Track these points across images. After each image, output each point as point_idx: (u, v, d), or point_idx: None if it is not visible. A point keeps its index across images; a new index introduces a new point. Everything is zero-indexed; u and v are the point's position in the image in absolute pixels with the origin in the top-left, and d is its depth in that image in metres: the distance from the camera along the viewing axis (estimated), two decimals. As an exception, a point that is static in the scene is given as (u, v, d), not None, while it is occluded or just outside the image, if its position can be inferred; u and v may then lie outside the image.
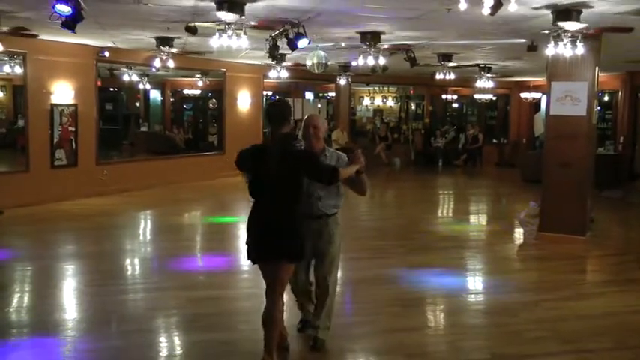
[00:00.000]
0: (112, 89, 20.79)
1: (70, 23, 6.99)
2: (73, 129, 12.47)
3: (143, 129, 21.94)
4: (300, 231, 4.68)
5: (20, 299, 6.80)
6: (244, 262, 8.01)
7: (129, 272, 8.17)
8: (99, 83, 13.65)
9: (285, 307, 5.06)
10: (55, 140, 12.15)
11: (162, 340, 5.57)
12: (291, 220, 4.64)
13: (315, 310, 5.30)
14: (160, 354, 5.26)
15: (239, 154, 4.84)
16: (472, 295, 7.24)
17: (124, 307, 6.42)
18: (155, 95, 23.10)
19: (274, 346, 4.68)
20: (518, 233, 10.18)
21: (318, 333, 5.24)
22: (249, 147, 4.86)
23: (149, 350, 5.25)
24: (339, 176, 4.77)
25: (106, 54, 12.74)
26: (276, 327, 4.70)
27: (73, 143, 12.49)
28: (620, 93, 17.95)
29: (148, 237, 10.59)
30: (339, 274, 5.44)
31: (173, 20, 8.87)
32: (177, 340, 5.60)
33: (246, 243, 4.75)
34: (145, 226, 11.53)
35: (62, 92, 12.24)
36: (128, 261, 8.65)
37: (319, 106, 22.59)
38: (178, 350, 5.40)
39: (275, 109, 4.86)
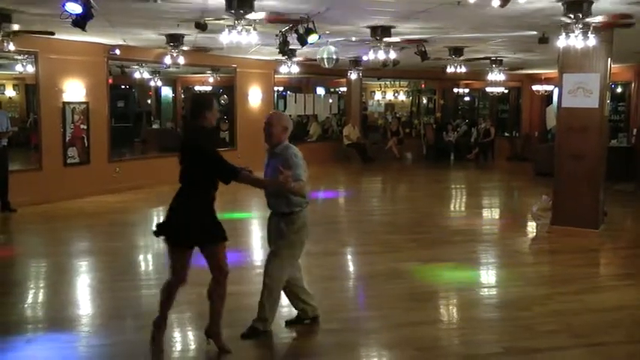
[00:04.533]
0: (123, 87, 20.90)
1: (81, 22, 7.03)
2: (85, 127, 12.53)
3: (155, 126, 22.04)
4: (190, 219, 4.86)
5: (35, 295, 6.87)
6: (258, 258, 8.07)
7: (142, 268, 8.23)
8: (110, 81, 13.71)
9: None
10: (68, 138, 12.21)
11: (177, 336, 5.59)
12: (185, 207, 4.88)
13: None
14: (174, 349, 5.28)
15: None
16: (484, 289, 7.23)
17: (137, 303, 6.47)
18: (166, 92, 23.21)
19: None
20: (531, 227, 10.14)
21: (252, 321, 5.37)
22: None
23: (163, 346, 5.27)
24: (236, 179, 4.88)
25: (117, 52, 12.79)
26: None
27: (85, 141, 12.55)
28: (633, 84, 17.80)
29: (161, 233, 10.62)
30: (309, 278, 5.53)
31: (183, 17, 8.89)
32: (191, 336, 5.63)
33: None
34: (157, 223, 11.56)
35: (74, 90, 12.30)
36: (141, 257, 8.70)
37: (330, 101, 22.58)
38: (192, 345, 5.43)
39: (192, 102, 5.10)
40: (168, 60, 12.26)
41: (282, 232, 5.28)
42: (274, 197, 5.27)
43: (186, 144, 5.01)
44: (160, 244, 9.59)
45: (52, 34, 10.15)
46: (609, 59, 9.26)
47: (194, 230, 4.87)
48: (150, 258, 8.65)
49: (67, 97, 12.19)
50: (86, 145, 12.57)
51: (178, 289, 5.11)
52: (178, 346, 5.38)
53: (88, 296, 6.87)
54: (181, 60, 12.10)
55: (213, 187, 4.95)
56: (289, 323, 5.63)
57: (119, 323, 5.82)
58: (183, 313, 6.10)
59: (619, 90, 19.11)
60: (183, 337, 5.61)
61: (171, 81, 22.23)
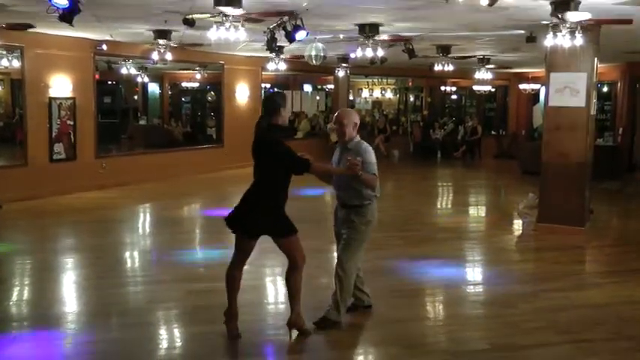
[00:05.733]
0: (110, 82, 20.75)
1: (68, 16, 6.97)
2: (72, 122, 12.45)
3: (142, 122, 21.91)
4: (264, 211, 5.06)
5: (20, 292, 6.82)
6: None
7: (128, 265, 8.19)
8: (97, 77, 13.63)
9: None
10: (54, 134, 12.13)
11: (162, 333, 5.59)
12: (257, 200, 5.08)
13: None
14: (160, 346, 5.27)
15: None
16: (471, 287, 7.27)
17: (123, 300, 6.44)
18: (153, 88, 23.07)
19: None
20: (517, 225, 10.19)
21: (325, 312, 5.54)
22: None
23: (149, 343, 5.27)
24: (308, 169, 5.12)
25: (104, 47, 12.71)
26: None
27: (72, 137, 12.47)
28: (619, 84, 17.93)
29: (147, 230, 10.60)
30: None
31: (171, 12, 8.84)
32: (177, 333, 5.61)
33: None
34: (144, 220, 11.53)
35: (60, 86, 12.22)
36: (127, 254, 8.67)
37: (318, 98, 22.56)
38: (178, 343, 5.42)
39: (267, 101, 5.31)
40: (155, 56, 12.17)
41: (353, 223, 5.46)
42: (344, 190, 5.47)
43: (263, 141, 5.13)
44: (145, 241, 9.64)
45: (32, 26, 9.98)
46: (596, 59, 9.32)
47: (264, 221, 5.07)
48: (136, 255, 8.62)
49: (53, 93, 12.09)
50: (72, 140, 12.48)
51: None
52: (165, 344, 5.36)
53: (74, 293, 6.83)
54: (169, 56, 12.02)
55: (286, 181, 5.17)
56: (347, 310, 5.71)
57: (105, 320, 5.80)
58: (170, 310, 6.09)
59: (605, 89, 19.24)
60: (169, 334, 5.59)
61: (158, 77, 22.09)
